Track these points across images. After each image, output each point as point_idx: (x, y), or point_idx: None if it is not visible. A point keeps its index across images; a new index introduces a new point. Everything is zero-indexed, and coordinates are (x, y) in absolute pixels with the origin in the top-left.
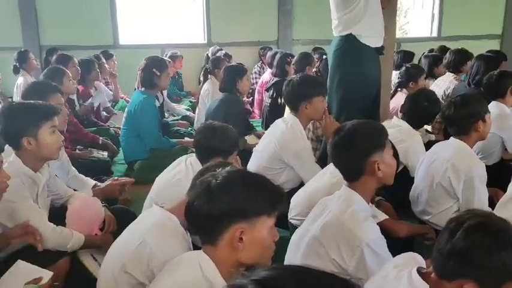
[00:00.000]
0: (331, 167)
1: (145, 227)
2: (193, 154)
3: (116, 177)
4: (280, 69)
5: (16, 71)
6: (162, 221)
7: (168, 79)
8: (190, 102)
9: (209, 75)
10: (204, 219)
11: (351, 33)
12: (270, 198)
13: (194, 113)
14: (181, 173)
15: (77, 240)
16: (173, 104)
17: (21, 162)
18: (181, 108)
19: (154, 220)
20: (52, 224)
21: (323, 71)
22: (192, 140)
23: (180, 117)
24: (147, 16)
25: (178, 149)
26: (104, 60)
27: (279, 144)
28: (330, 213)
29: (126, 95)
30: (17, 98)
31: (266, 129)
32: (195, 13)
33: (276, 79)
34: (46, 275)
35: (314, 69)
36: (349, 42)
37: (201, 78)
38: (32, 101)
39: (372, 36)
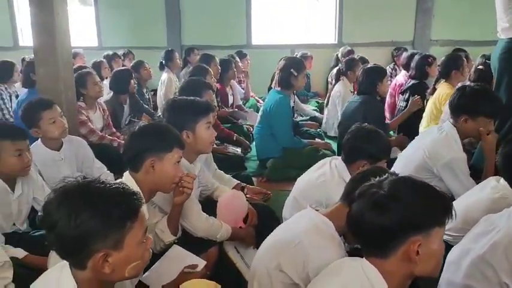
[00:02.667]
0: (491, 181)
1: (302, 228)
2: (337, 157)
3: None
4: (420, 71)
5: (161, 68)
6: (319, 225)
7: (304, 80)
8: (317, 103)
9: (341, 77)
10: (376, 233)
11: None
12: (441, 206)
13: (321, 113)
14: (325, 175)
15: (226, 231)
16: (302, 104)
17: None
18: (310, 108)
19: (310, 223)
20: (205, 214)
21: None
22: (323, 141)
23: (308, 117)
24: (278, 16)
25: (309, 150)
26: (238, 60)
27: (429, 153)
28: (500, 231)
29: (255, 94)
30: (160, 93)
31: (398, 134)
32: (326, 13)
33: (412, 81)
34: (200, 263)
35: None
36: None
37: (329, 79)
38: (192, 98)
39: None
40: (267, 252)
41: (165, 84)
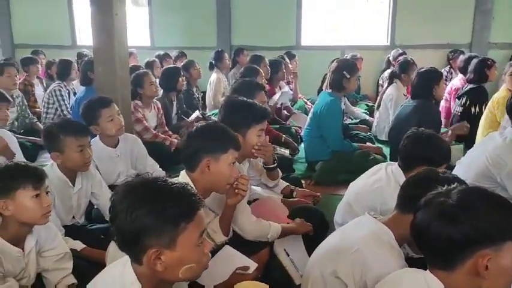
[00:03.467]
0: None
1: (359, 235)
2: (393, 162)
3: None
4: (479, 74)
5: (211, 68)
6: (377, 233)
7: (356, 83)
8: (367, 105)
9: (394, 79)
10: (442, 244)
11: None
12: None
13: (371, 117)
14: (381, 181)
15: (275, 231)
16: (352, 107)
17: None
18: (360, 111)
19: (368, 230)
20: (254, 216)
21: None
22: (374, 145)
23: (358, 120)
24: (328, 17)
25: (360, 154)
26: (288, 61)
27: (492, 160)
28: None
29: (304, 95)
30: (209, 93)
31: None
32: (378, 13)
33: (470, 86)
34: (252, 265)
35: None
36: None
37: (380, 82)
38: (251, 101)
39: None
40: (322, 257)
41: (214, 84)
